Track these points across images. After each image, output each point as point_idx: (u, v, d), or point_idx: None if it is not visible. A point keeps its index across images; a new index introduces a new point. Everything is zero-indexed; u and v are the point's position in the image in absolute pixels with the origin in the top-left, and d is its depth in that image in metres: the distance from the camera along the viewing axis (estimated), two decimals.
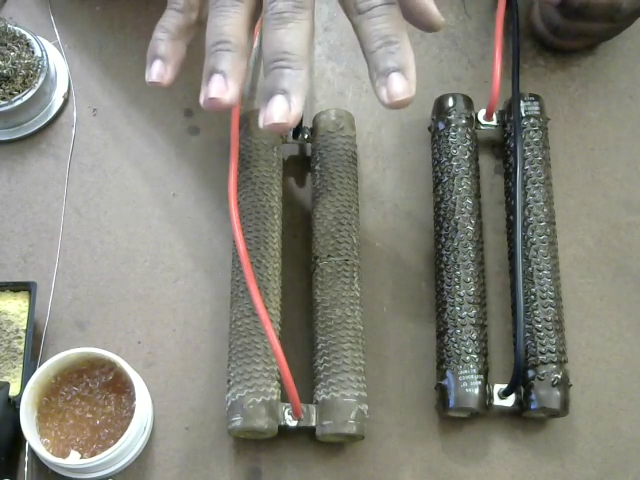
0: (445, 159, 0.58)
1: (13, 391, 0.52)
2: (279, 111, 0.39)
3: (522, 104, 0.59)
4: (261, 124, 0.40)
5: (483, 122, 0.61)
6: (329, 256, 0.55)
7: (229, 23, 0.41)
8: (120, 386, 0.53)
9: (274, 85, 0.40)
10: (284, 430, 0.53)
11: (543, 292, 0.54)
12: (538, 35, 0.65)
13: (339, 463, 0.54)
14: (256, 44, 0.63)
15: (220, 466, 0.54)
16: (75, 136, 0.62)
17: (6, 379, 0.53)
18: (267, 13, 0.41)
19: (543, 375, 0.52)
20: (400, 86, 0.40)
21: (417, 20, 0.46)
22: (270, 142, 0.58)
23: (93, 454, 0.51)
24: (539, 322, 0.54)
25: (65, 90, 0.63)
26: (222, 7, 0.41)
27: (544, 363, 0.53)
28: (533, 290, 0.54)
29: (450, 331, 0.54)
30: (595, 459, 0.54)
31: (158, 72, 0.43)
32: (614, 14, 0.58)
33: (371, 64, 0.41)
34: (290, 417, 0.52)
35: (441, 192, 0.58)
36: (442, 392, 0.53)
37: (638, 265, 0.59)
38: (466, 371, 0.52)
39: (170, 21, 0.44)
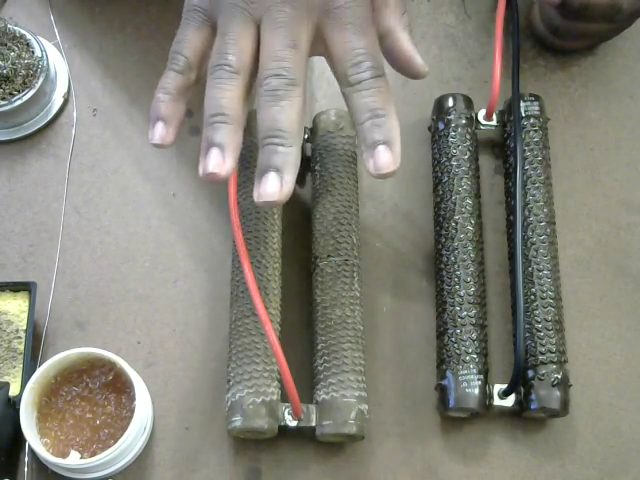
0: (445, 159, 0.58)
1: (13, 391, 0.52)
2: (272, 189, 0.41)
3: (522, 104, 0.59)
4: (255, 199, 0.42)
5: (483, 122, 0.61)
6: (329, 256, 0.55)
7: (226, 96, 0.43)
8: (120, 386, 0.53)
9: (267, 162, 0.42)
10: (284, 430, 0.53)
11: (543, 292, 0.54)
12: (538, 36, 0.65)
13: (339, 463, 0.54)
14: None
15: (220, 466, 0.54)
16: (75, 136, 0.62)
17: (6, 379, 0.53)
18: (261, 88, 0.42)
19: (543, 375, 0.52)
20: (386, 160, 0.42)
21: (402, 68, 0.49)
22: None
23: (93, 454, 0.51)
24: (539, 322, 0.54)
25: (65, 90, 0.63)
26: (219, 79, 0.43)
27: (544, 363, 0.53)
28: (533, 290, 0.54)
29: (450, 331, 0.54)
30: (595, 459, 0.54)
31: (160, 134, 0.45)
32: (614, 15, 0.58)
33: (360, 135, 0.43)
34: (290, 417, 0.52)
35: (441, 192, 0.58)
36: (442, 392, 0.53)
37: (638, 265, 0.59)
38: (466, 371, 0.52)
39: (171, 83, 0.45)
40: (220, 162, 0.42)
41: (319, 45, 0.45)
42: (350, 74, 0.43)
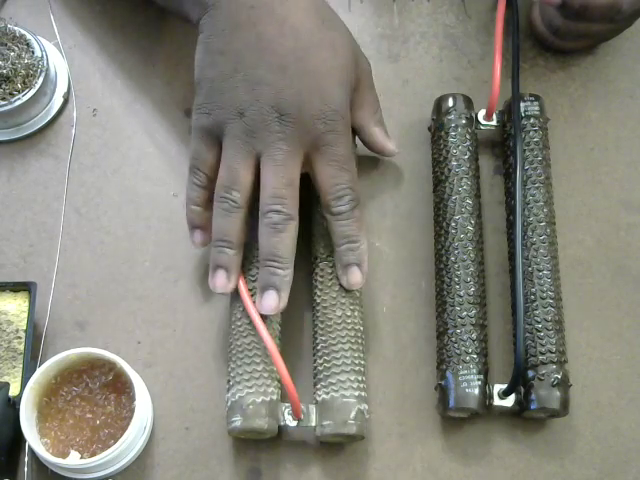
0: (445, 159, 0.58)
1: (13, 391, 0.52)
2: (272, 304, 0.52)
3: (522, 104, 0.59)
4: (258, 309, 0.52)
5: (483, 122, 0.61)
6: (329, 256, 0.55)
7: (231, 226, 0.52)
8: (120, 386, 0.53)
9: (268, 282, 0.52)
10: (284, 430, 0.53)
11: (543, 292, 0.54)
12: (538, 36, 0.65)
13: (339, 463, 0.54)
14: None
15: (220, 466, 0.54)
16: (75, 136, 0.62)
17: (6, 379, 0.53)
18: (264, 219, 0.51)
19: (543, 375, 0.52)
20: (356, 278, 0.53)
21: (376, 152, 0.60)
22: None
23: (93, 454, 0.51)
24: (539, 322, 0.54)
25: (65, 90, 0.63)
26: (226, 211, 0.52)
27: (544, 363, 0.53)
28: (533, 290, 0.54)
29: (450, 331, 0.54)
30: (595, 459, 0.54)
31: (200, 240, 0.55)
32: (614, 15, 0.58)
33: (337, 255, 0.54)
34: (290, 417, 0.52)
35: (441, 192, 0.58)
36: (442, 392, 0.53)
37: (638, 265, 0.59)
38: (466, 371, 0.52)
39: (199, 197, 0.54)
40: (225, 282, 0.53)
41: (307, 167, 0.53)
42: (332, 206, 0.53)
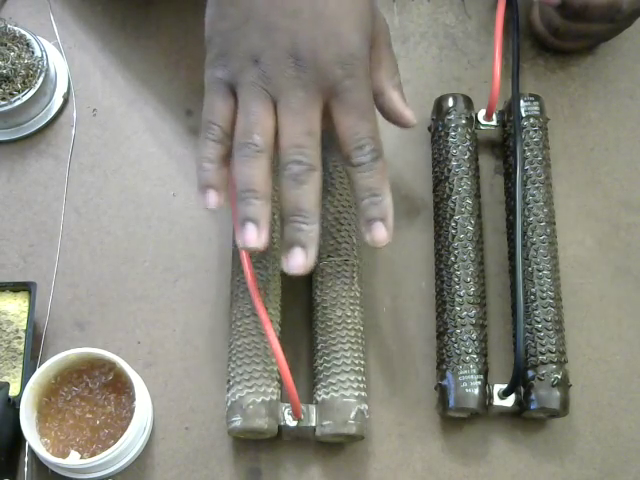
0: (445, 159, 0.58)
1: (13, 391, 0.52)
2: (299, 262, 0.48)
3: (522, 104, 0.59)
4: (285, 270, 0.49)
5: (483, 122, 0.61)
6: (329, 256, 0.55)
7: (255, 173, 0.48)
8: (120, 386, 0.53)
9: (293, 239, 0.48)
10: (284, 430, 0.53)
11: (543, 292, 0.54)
12: (538, 36, 0.65)
13: (339, 463, 0.54)
14: None
15: (220, 466, 0.54)
16: (75, 136, 0.62)
17: (6, 379, 0.53)
18: (284, 171, 0.48)
19: (543, 375, 0.52)
20: (381, 234, 0.49)
21: (393, 121, 0.54)
22: None
23: (93, 454, 0.51)
24: (539, 322, 0.54)
25: (65, 90, 0.63)
26: (248, 157, 0.48)
27: (544, 363, 0.53)
28: (533, 290, 0.54)
29: (450, 331, 0.54)
30: (595, 459, 0.54)
31: (213, 201, 0.50)
32: (614, 15, 0.58)
33: (359, 211, 0.50)
34: (290, 417, 0.52)
35: (441, 192, 0.58)
36: (442, 392, 0.53)
37: (638, 265, 0.59)
38: (466, 371, 0.52)
39: (212, 152, 0.50)
40: (255, 236, 0.48)
41: (326, 120, 0.50)
42: (353, 157, 0.49)
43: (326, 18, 0.49)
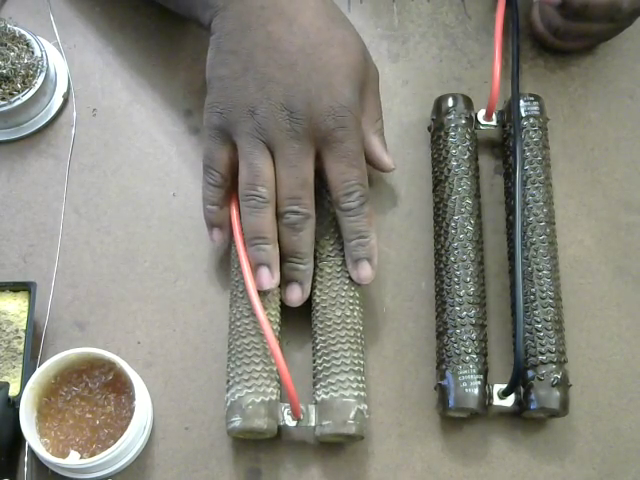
0: (445, 159, 0.58)
1: (13, 391, 0.52)
2: (296, 297, 0.55)
3: (522, 104, 0.59)
4: (285, 302, 0.55)
5: (483, 122, 0.61)
6: (329, 256, 0.55)
7: (263, 223, 0.53)
8: (120, 386, 0.53)
9: (291, 277, 0.54)
10: (284, 430, 0.53)
11: (543, 292, 0.54)
12: (538, 37, 0.65)
13: (339, 463, 0.54)
14: None
15: (220, 466, 0.54)
16: (75, 136, 0.62)
17: (6, 379, 0.53)
18: (282, 220, 0.53)
19: (543, 375, 0.52)
20: (367, 273, 0.54)
21: (371, 164, 0.58)
22: None
23: (93, 454, 0.51)
24: (539, 322, 0.54)
25: (65, 90, 0.63)
26: (255, 208, 0.52)
27: (544, 363, 0.53)
28: (533, 290, 0.54)
29: (450, 331, 0.54)
30: (595, 459, 0.54)
31: (218, 238, 0.56)
32: (614, 14, 0.58)
33: (347, 251, 0.54)
34: (289, 417, 0.52)
35: (441, 192, 0.58)
36: (442, 392, 0.53)
37: (638, 265, 0.59)
38: (466, 371, 0.52)
39: (214, 195, 0.55)
40: (269, 279, 0.53)
41: (318, 163, 0.54)
42: (342, 202, 0.53)
43: (319, 71, 0.52)
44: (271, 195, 0.53)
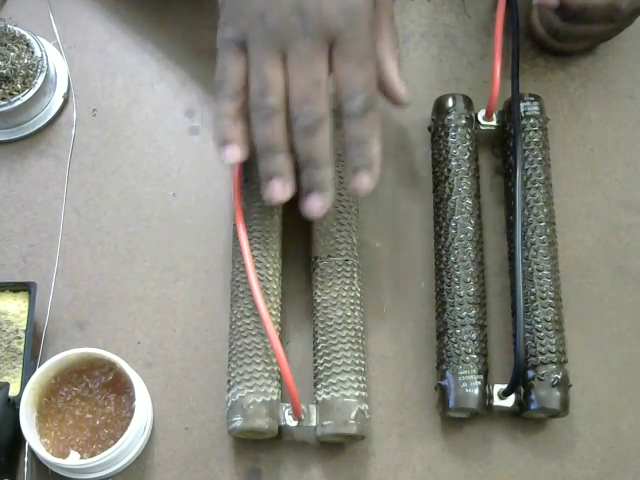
0: (445, 159, 0.58)
1: (13, 391, 0.52)
2: (317, 206, 0.51)
3: (522, 104, 0.59)
4: (304, 213, 0.51)
5: (483, 122, 0.61)
6: (329, 256, 0.55)
7: (273, 133, 0.50)
8: (120, 386, 0.53)
9: (310, 183, 0.51)
10: (284, 430, 0.53)
11: (543, 292, 0.54)
12: (538, 40, 0.65)
13: (339, 463, 0.54)
14: None
15: (220, 466, 0.54)
16: (75, 136, 0.62)
17: (6, 379, 0.53)
18: (294, 124, 0.50)
19: (543, 375, 0.52)
20: (362, 183, 0.51)
21: (385, 94, 0.55)
22: None
23: (93, 454, 0.51)
24: (539, 322, 0.54)
25: (65, 90, 0.63)
26: (265, 117, 0.50)
27: (544, 363, 0.53)
28: (533, 290, 0.54)
29: (450, 331, 0.54)
30: (595, 459, 0.54)
31: (232, 155, 0.52)
32: (613, 15, 0.58)
33: (346, 160, 0.51)
34: (290, 417, 0.52)
35: (441, 192, 0.58)
36: (442, 392, 0.53)
37: (638, 265, 0.59)
38: (466, 371, 0.52)
39: (227, 107, 0.51)
40: (281, 190, 0.51)
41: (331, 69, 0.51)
42: (345, 105, 0.50)
43: None
44: (281, 104, 0.50)
